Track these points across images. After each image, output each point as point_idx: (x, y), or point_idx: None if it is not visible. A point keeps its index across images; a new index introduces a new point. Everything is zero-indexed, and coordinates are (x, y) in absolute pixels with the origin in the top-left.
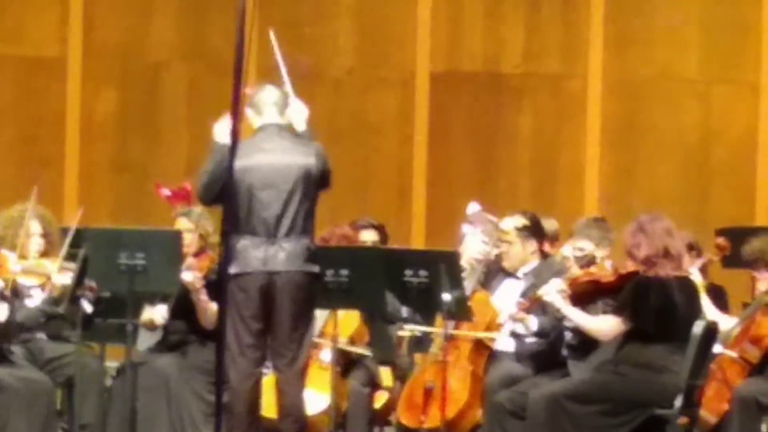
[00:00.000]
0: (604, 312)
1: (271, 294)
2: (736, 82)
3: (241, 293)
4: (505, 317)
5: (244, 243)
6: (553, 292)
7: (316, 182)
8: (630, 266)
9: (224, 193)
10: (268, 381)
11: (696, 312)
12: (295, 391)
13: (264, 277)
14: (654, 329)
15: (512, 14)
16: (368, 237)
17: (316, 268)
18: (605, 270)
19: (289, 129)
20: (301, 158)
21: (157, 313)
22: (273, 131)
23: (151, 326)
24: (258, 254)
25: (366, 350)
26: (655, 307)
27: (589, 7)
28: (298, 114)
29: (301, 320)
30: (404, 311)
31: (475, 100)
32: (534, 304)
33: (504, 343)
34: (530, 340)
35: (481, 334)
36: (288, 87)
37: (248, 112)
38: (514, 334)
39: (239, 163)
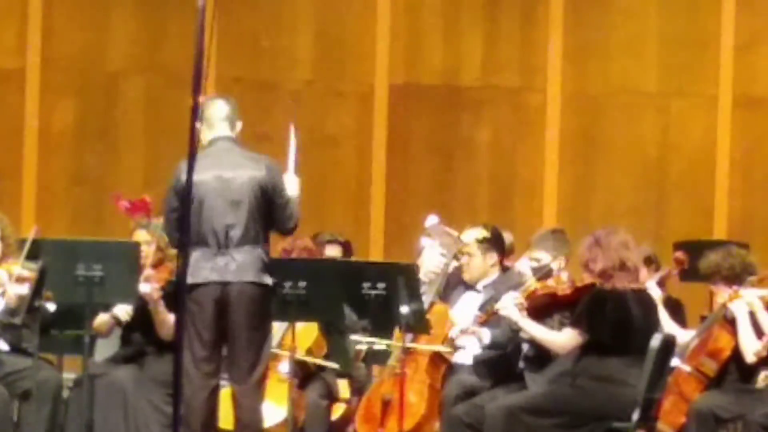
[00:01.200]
0: (561, 325)
1: (224, 305)
2: (695, 95)
3: (194, 305)
4: (456, 331)
5: (195, 255)
6: (510, 306)
7: (267, 195)
8: (587, 279)
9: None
10: (226, 393)
11: (653, 325)
12: (252, 404)
13: (216, 288)
14: (611, 342)
15: (471, 28)
16: (333, 252)
17: (269, 280)
18: (562, 282)
19: (238, 143)
20: (251, 171)
21: (121, 310)
22: (224, 145)
23: (104, 331)
24: (209, 265)
25: (328, 362)
26: (611, 319)
27: (548, 21)
28: (291, 185)
29: (255, 332)
30: (362, 324)
31: (434, 114)
32: (491, 317)
33: (461, 355)
34: (483, 351)
35: (438, 347)
36: (292, 164)
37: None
38: (464, 348)
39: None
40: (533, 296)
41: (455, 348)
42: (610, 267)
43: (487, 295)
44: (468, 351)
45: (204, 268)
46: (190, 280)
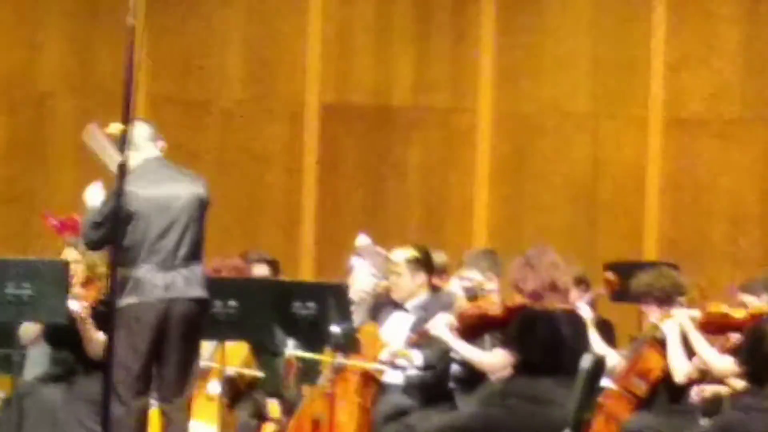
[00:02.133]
0: (493, 345)
1: (166, 322)
2: (625, 116)
3: (135, 322)
4: (386, 354)
5: (143, 272)
6: (441, 327)
7: (204, 211)
8: (517, 300)
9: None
10: (155, 412)
11: (583, 345)
12: (182, 422)
13: (161, 304)
14: (541, 362)
15: (402, 47)
16: (260, 271)
17: (207, 295)
18: (493, 302)
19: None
20: (191, 187)
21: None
22: (157, 164)
23: (29, 339)
24: (158, 282)
25: (256, 373)
26: (542, 340)
27: (479, 42)
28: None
29: (191, 349)
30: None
31: (365, 133)
32: (423, 338)
33: (392, 375)
34: (416, 372)
35: (370, 366)
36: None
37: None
38: (396, 368)
39: (136, 194)
40: (464, 317)
41: (395, 366)
42: (540, 287)
43: (417, 316)
44: (399, 373)
45: (152, 285)
46: (136, 297)
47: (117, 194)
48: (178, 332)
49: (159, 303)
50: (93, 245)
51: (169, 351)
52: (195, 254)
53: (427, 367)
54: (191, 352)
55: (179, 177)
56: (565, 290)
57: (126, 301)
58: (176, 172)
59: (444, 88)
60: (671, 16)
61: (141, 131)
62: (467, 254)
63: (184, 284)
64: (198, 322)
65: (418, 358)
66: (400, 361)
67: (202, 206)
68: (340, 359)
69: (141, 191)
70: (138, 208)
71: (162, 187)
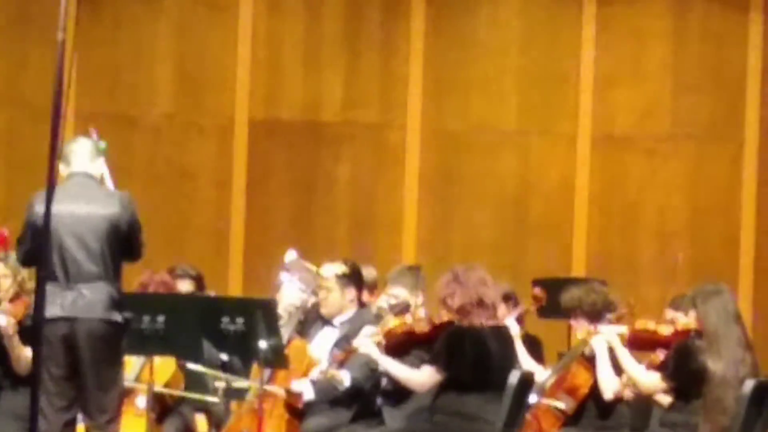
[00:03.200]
0: (422, 361)
1: (72, 342)
2: (554, 133)
3: (45, 342)
4: (316, 374)
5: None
6: (368, 343)
7: (121, 231)
8: (444, 316)
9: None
10: (80, 429)
11: (511, 361)
12: None
13: (64, 324)
14: (469, 378)
15: (332, 63)
16: (184, 286)
17: (118, 317)
18: (419, 318)
19: (95, 179)
20: (104, 207)
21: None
22: (79, 180)
23: None
24: (58, 301)
25: (181, 391)
26: (469, 356)
27: (408, 58)
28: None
29: (104, 369)
30: (222, 358)
31: (294, 148)
32: (350, 355)
33: (302, 394)
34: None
35: (276, 389)
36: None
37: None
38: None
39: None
40: (391, 333)
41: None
42: (468, 303)
43: (344, 331)
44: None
45: (52, 303)
46: None
47: (30, 210)
48: (88, 352)
49: (61, 323)
50: (21, 261)
51: (84, 371)
52: (104, 274)
53: (355, 385)
54: (109, 371)
55: (95, 196)
56: (492, 306)
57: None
58: (95, 190)
59: (373, 103)
60: (600, 33)
61: (76, 146)
62: (392, 271)
63: (86, 304)
64: (110, 342)
65: (346, 378)
66: (329, 384)
67: (113, 226)
68: (266, 377)
69: (53, 207)
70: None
71: (72, 205)
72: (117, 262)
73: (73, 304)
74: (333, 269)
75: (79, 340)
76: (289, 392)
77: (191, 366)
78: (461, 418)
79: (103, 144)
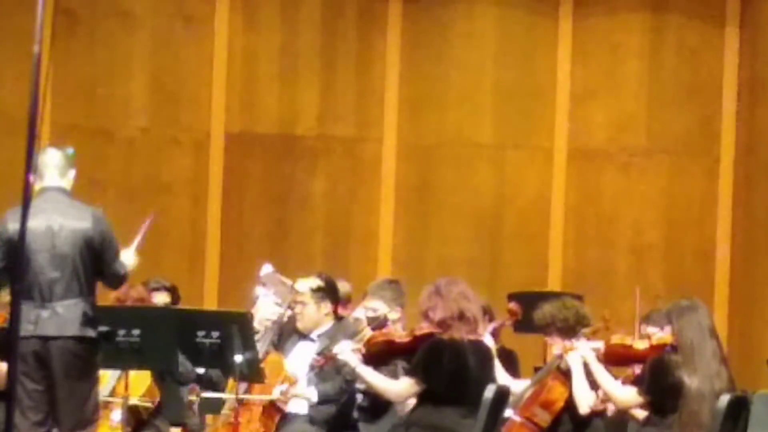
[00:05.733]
0: (404, 372)
1: (45, 359)
2: (530, 147)
3: (20, 358)
4: (277, 393)
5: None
6: (348, 351)
7: (93, 247)
8: (425, 328)
9: (10, 257)
10: None
11: (488, 375)
12: None
13: (37, 342)
14: (446, 392)
15: (307, 77)
16: (160, 299)
17: (92, 333)
18: (397, 332)
19: (68, 193)
20: (76, 222)
21: None
22: (52, 195)
23: None
24: (31, 318)
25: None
26: (448, 369)
27: (384, 71)
28: (128, 259)
29: (78, 385)
30: (197, 372)
31: (270, 162)
32: (329, 362)
33: (296, 405)
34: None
35: (268, 397)
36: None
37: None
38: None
39: (16, 226)
40: (371, 343)
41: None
42: (449, 317)
43: (322, 345)
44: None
45: (26, 321)
46: None
47: (2, 227)
48: (61, 369)
49: (33, 340)
50: None
51: (57, 387)
52: (77, 291)
53: (325, 401)
54: (82, 388)
55: (67, 211)
56: (473, 321)
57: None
58: (67, 206)
59: (349, 117)
60: (576, 47)
61: (48, 158)
62: (371, 285)
63: (57, 321)
64: (83, 359)
65: (313, 396)
66: (297, 402)
67: (86, 242)
68: (242, 391)
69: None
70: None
71: (46, 221)
72: (90, 277)
73: (46, 322)
74: (308, 284)
75: (52, 358)
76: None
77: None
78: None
79: (71, 150)
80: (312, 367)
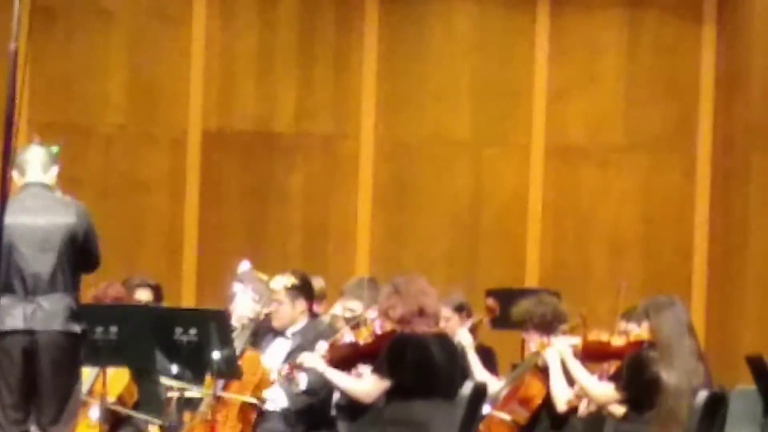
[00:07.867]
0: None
1: (31, 354)
2: (507, 144)
3: (2, 353)
4: (276, 375)
5: (3, 301)
6: (315, 358)
7: (78, 241)
8: (387, 327)
9: None
10: None
11: (457, 368)
12: None
13: (23, 336)
14: (413, 384)
15: (285, 74)
16: (143, 296)
17: (77, 328)
18: (372, 331)
19: (51, 189)
20: (60, 217)
21: None
22: (35, 190)
23: None
24: (16, 313)
25: (139, 413)
26: (412, 361)
27: (362, 68)
28: None
29: (62, 380)
30: (174, 369)
31: (247, 159)
32: (297, 369)
33: (273, 402)
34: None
35: (247, 398)
36: None
37: (13, 173)
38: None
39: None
40: (335, 348)
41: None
42: (408, 313)
43: (296, 343)
44: (280, 400)
45: (10, 315)
46: None
47: None
48: (47, 364)
49: (21, 334)
50: None
51: (42, 382)
52: (62, 285)
53: (310, 391)
54: (66, 383)
55: (52, 206)
56: (434, 315)
57: None
58: (51, 201)
59: (326, 114)
60: (553, 44)
61: (31, 155)
62: (348, 284)
63: (45, 316)
64: (69, 354)
65: (303, 381)
66: (287, 385)
67: (71, 237)
68: (219, 391)
69: (8, 218)
70: (3, 235)
71: (31, 216)
72: (75, 272)
73: (32, 316)
74: (282, 281)
75: (40, 352)
76: (260, 399)
77: (165, 380)
78: (408, 427)
79: (55, 148)
80: (279, 377)
